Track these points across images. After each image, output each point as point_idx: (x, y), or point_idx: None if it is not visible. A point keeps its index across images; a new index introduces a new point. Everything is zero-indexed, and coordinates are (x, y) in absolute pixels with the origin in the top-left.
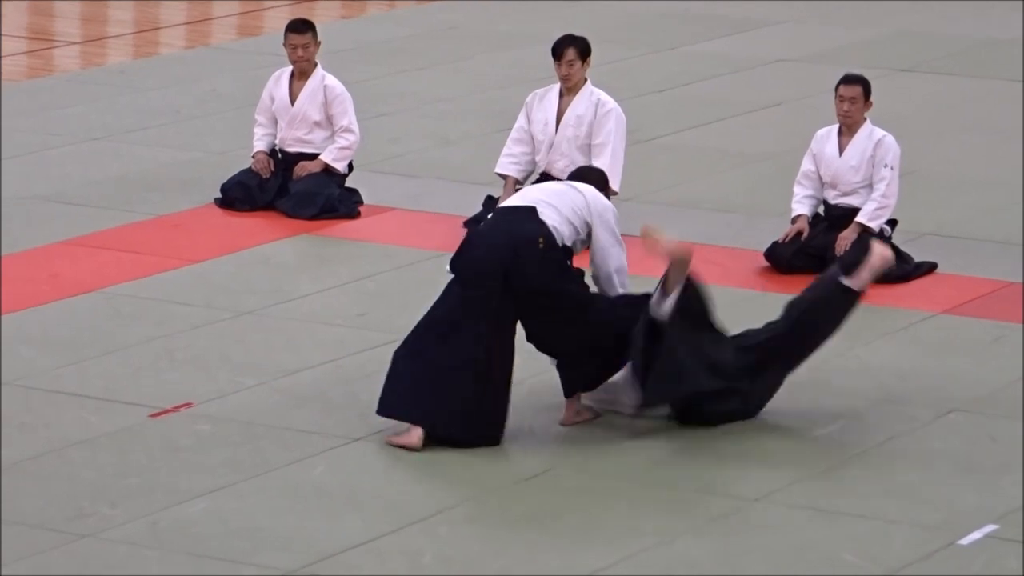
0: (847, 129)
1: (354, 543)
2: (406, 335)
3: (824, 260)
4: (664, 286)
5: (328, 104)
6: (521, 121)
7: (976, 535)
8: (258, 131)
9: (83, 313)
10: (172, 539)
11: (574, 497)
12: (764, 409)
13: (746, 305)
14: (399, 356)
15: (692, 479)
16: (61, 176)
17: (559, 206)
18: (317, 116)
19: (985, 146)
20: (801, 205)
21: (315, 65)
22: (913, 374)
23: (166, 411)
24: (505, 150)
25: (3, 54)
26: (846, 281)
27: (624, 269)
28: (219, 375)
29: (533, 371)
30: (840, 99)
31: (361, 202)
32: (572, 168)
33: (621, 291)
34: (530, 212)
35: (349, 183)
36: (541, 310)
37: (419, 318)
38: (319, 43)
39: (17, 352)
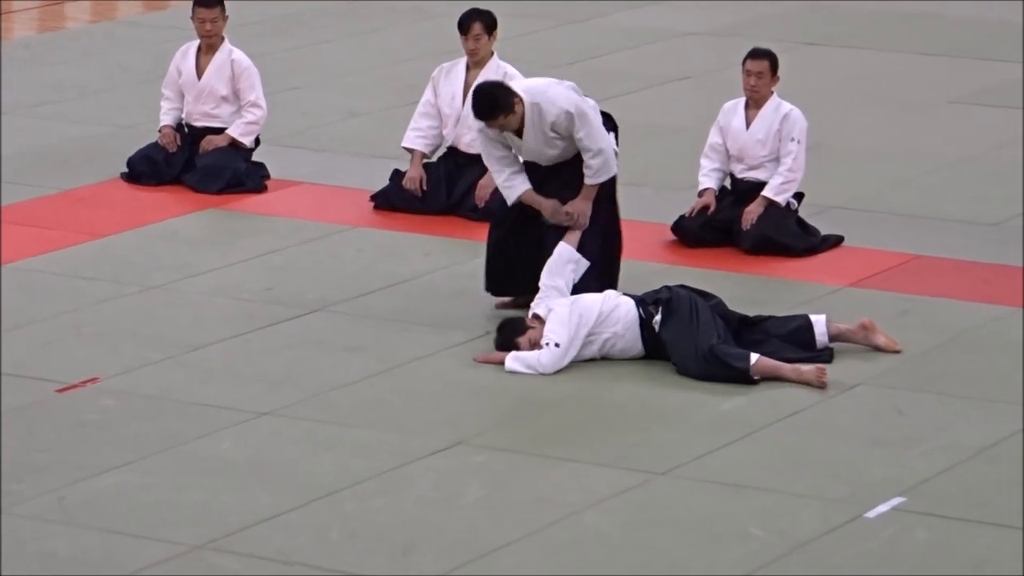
0: (754, 103)
1: (261, 518)
2: None
3: (731, 234)
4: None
5: (235, 78)
6: (428, 95)
7: (883, 508)
8: (165, 105)
9: None
10: (80, 514)
11: (480, 471)
12: (670, 385)
13: (652, 278)
14: None
15: (599, 452)
16: None
17: None
18: (224, 90)
19: (891, 119)
20: (708, 178)
21: (223, 39)
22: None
23: (73, 386)
24: (412, 124)
25: None
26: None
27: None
28: (126, 350)
29: (438, 345)
30: (747, 73)
31: (268, 176)
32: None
33: None
34: None
35: (256, 157)
36: None
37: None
38: (227, 17)
39: None
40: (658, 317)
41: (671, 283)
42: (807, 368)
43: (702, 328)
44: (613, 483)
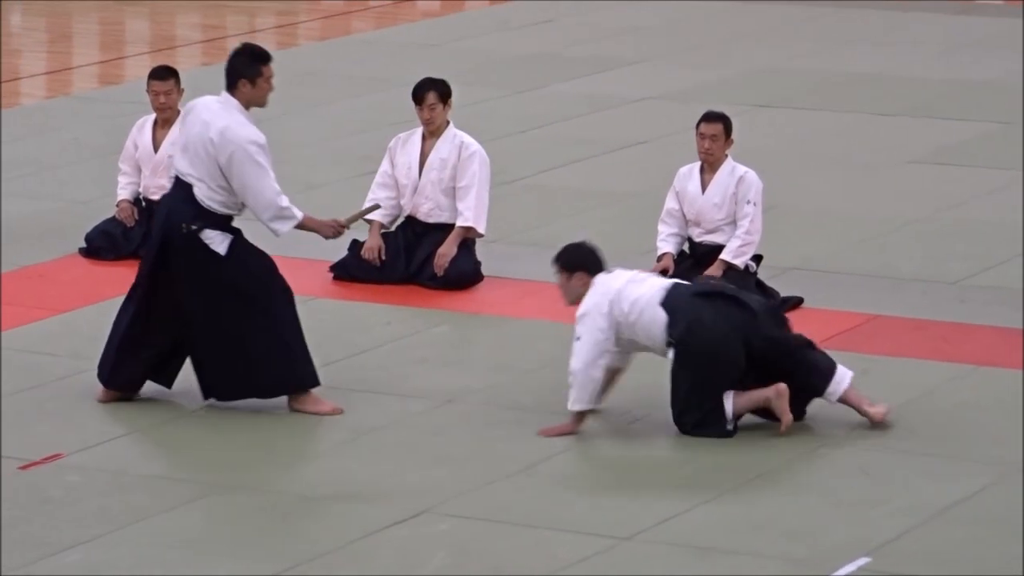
0: (709, 167)
1: None
2: None
3: None
4: None
5: None
6: (385, 165)
7: (848, 568)
8: (122, 180)
9: None
10: None
11: (444, 540)
12: (634, 445)
13: None
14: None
15: (562, 517)
16: None
17: (203, 175)
18: None
19: (849, 180)
20: (666, 243)
21: (178, 112)
22: None
23: (36, 463)
24: (370, 195)
25: None
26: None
27: (275, 204)
28: (87, 425)
29: (400, 414)
30: (701, 136)
31: None
32: (437, 211)
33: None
34: (187, 189)
35: None
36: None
37: None
38: (182, 90)
39: None
40: (671, 354)
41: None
42: (766, 393)
43: (705, 388)
44: (577, 549)
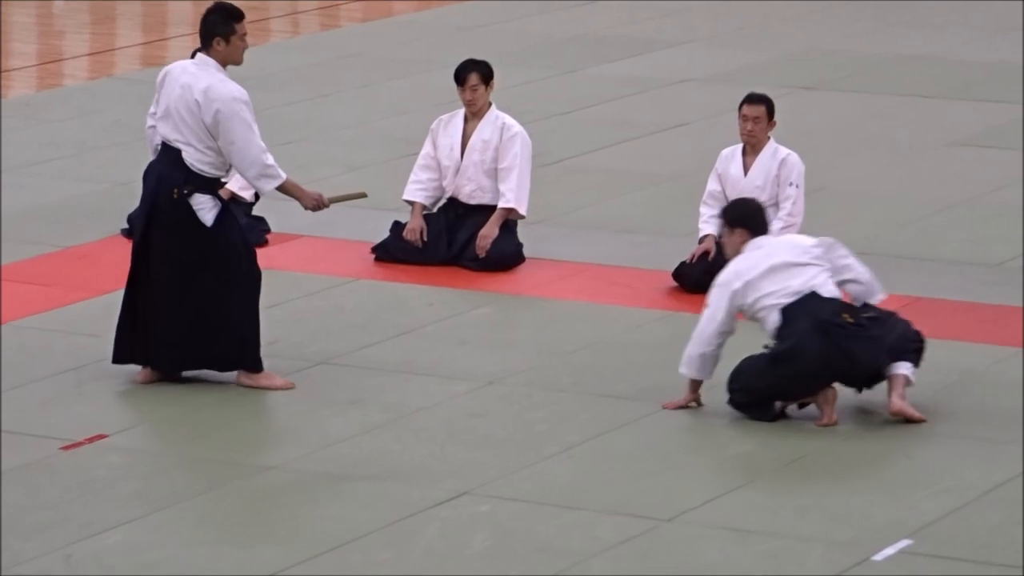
0: (751, 148)
1: (268, 573)
2: None
3: None
4: None
5: None
6: (427, 147)
7: (890, 550)
8: None
9: None
10: (86, 572)
11: (486, 521)
12: (675, 428)
13: (654, 325)
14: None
15: (603, 499)
16: None
17: (190, 138)
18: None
19: (890, 162)
20: (708, 225)
21: None
22: None
23: (78, 443)
24: (412, 176)
25: None
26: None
27: (260, 162)
28: (128, 406)
29: (442, 396)
30: (743, 118)
31: (268, 230)
32: (479, 192)
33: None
34: (176, 154)
35: (256, 211)
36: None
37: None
38: None
39: None
40: (764, 349)
41: (667, 330)
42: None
43: (768, 395)
44: (619, 530)
